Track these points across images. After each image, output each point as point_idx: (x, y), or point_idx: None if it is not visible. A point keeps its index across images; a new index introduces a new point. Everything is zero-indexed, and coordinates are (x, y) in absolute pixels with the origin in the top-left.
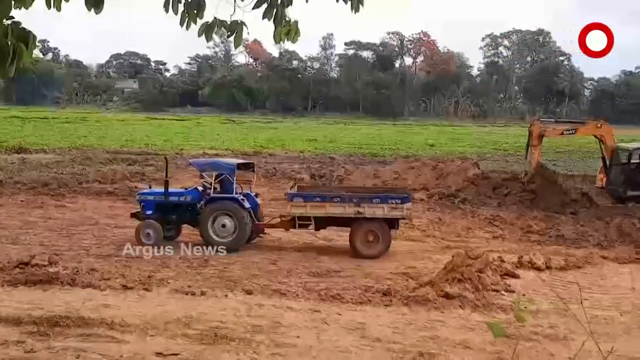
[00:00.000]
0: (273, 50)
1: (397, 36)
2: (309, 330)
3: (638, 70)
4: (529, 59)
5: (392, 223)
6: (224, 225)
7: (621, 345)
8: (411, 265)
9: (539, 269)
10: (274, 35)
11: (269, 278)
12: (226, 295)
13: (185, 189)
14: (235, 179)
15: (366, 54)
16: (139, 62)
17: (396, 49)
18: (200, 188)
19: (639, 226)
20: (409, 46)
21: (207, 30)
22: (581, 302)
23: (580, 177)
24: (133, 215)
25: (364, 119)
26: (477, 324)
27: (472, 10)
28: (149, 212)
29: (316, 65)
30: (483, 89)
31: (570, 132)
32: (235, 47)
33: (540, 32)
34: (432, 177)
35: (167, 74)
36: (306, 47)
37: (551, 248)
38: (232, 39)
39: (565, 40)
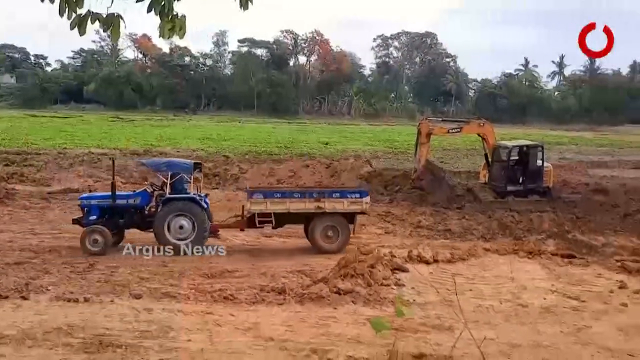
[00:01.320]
0: (164, 45)
1: (291, 35)
2: (201, 333)
3: (517, 72)
4: (417, 60)
5: (351, 217)
6: (181, 227)
7: (501, 332)
8: (307, 262)
9: (427, 263)
10: (159, 30)
11: (159, 281)
12: (112, 301)
13: (134, 191)
14: (192, 179)
15: (260, 51)
16: (16, 55)
17: (290, 48)
18: (149, 189)
19: (518, 219)
20: (302, 45)
21: (80, 23)
22: (456, 294)
23: (465, 173)
24: (75, 221)
25: (259, 117)
26: (368, 319)
27: (364, 11)
28: (93, 217)
29: (209, 62)
30: (375, 89)
31: (456, 130)
32: (113, 42)
33: (428, 34)
34: (327, 175)
35: (49, 69)
36: (198, 43)
37: (439, 242)
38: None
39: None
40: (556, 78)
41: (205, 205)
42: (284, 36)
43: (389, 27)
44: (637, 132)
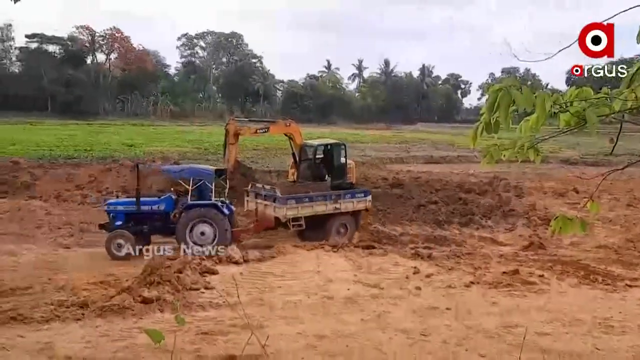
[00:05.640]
0: None
1: (87, 31)
2: None
3: (321, 74)
4: (224, 60)
5: (356, 214)
6: (203, 233)
7: (309, 325)
8: (111, 272)
9: (237, 263)
10: None
11: None
12: None
13: (158, 197)
14: (213, 185)
15: (53, 48)
16: None
17: (87, 45)
18: (173, 196)
19: None
20: (100, 42)
21: None
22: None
23: (275, 172)
24: (102, 226)
25: (54, 119)
26: (177, 325)
27: (166, 8)
28: (119, 222)
29: None
30: (182, 89)
31: (263, 130)
32: None
33: (234, 34)
34: (132, 179)
35: None
36: None
37: (251, 242)
38: None
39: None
40: (356, 80)
41: (228, 212)
42: (80, 32)
43: (193, 26)
44: (428, 130)
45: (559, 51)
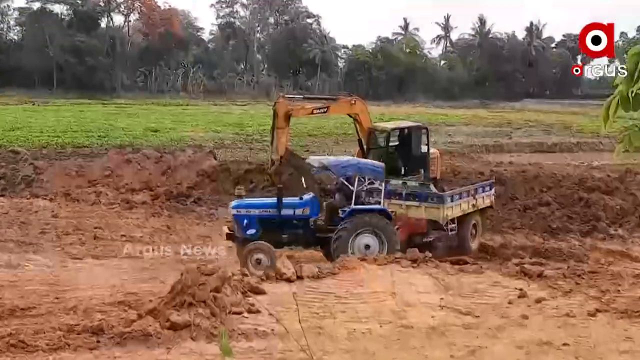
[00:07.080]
0: None
1: None
2: None
3: (395, 36)
4: (271, 20)
5: (484, 212)
6: (367, 246)
7: None
8: (132, 290)
9: (289, 280)
10: None
11: None
12: None
13: (300, 198)
14: (384, 185)
15: (59, 8)
16: None
17: (101, 4)
18: (318, 198)
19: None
20: (118, 0)
21: None
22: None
23: None
24: (229, 236)
25: (62, 96)
26: (214, 358)
27: None
28: (252, 230)
29: None
30: (218, 58)
31: (322, 110)
32: None
33: None
34: (157, 173)
35: None
36: None
37: (307, 252)
38: None
39: None
40: (442, 43)
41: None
42: None
43: None
44: (537, 108)
45: None
